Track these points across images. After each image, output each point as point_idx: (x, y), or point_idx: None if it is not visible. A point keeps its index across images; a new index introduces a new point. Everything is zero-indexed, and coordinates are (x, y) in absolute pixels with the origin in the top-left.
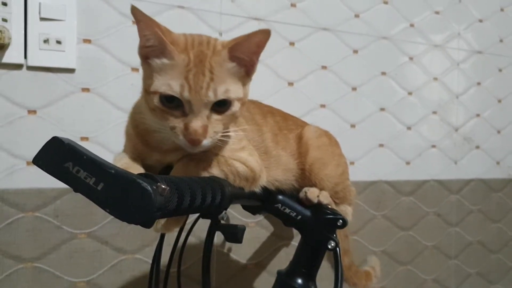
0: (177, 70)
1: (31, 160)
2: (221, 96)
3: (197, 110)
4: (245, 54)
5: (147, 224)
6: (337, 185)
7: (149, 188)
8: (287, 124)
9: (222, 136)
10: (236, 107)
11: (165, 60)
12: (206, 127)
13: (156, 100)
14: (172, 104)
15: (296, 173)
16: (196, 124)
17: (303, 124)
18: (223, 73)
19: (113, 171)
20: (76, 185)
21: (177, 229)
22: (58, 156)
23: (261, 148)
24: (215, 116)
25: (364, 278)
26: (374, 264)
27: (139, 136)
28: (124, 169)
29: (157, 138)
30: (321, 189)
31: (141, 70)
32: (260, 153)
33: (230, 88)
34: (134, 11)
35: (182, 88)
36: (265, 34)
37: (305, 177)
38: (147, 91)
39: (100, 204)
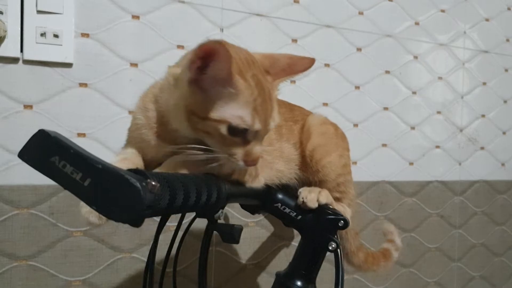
0: (244, 100)
1: None
2: (277, 123)
3: (261, 138)
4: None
5: (136, 222)
6: (340, 177)
7: (138, 184)
8: (293, 115)
9: None
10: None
11: (230, 90)
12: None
13: (223, 129)
14: (238, 134)
15: (299, 162)
16: (258, 150)
17: (310, 114)
18: (275, 99)
19: (100, 166)
20: (62, 180)
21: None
22: (44, 150)
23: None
24: None
25: (383, 259)
26: (391, 235)
27: (152, 127)
28: (112, 164)
29: (173, 134)
30: (322, 180)
31: (140, 66)
32: None
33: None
34: (220, 47)
35: (253, 120)
36: (310, 63)
37: (307, 165)
38: (203, 117)
39: (86, 200)
